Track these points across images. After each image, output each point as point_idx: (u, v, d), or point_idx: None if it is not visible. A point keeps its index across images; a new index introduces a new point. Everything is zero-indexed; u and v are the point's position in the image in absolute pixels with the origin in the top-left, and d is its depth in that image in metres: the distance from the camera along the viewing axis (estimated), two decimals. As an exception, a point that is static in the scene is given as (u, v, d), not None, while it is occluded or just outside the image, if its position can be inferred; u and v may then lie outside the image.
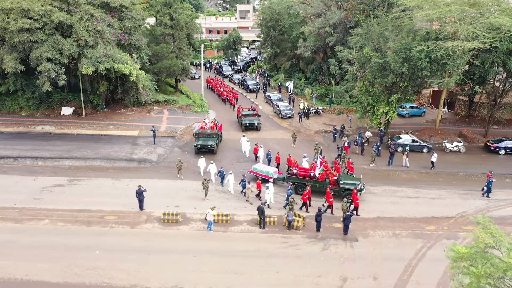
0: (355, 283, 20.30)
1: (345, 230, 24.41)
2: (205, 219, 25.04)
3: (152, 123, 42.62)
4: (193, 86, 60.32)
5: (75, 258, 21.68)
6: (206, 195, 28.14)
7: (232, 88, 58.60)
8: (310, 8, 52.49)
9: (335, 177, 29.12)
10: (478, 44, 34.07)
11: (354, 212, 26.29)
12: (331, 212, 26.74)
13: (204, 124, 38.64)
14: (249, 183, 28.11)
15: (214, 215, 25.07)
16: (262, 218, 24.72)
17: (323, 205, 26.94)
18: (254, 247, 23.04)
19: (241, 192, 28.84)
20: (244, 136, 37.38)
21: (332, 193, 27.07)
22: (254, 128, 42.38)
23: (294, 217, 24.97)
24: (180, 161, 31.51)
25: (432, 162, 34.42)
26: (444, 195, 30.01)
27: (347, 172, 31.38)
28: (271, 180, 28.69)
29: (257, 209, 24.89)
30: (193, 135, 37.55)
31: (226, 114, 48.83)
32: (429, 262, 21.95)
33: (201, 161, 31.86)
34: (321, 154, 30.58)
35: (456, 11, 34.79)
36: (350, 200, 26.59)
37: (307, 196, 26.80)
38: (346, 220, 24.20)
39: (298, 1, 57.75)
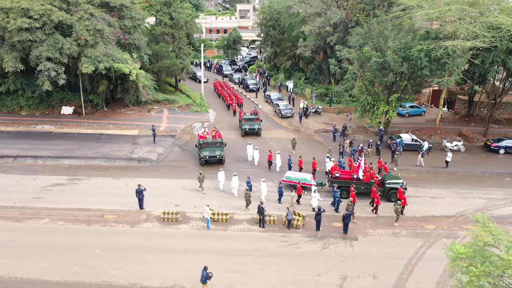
0: (355, 282, 20.33)
1: (345, 229, 24.44)
2: (203, 217, 25.08)
3: (152, 123, 42.63)
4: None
5: (75, 257, 21.71)
6: (247, 206, 26.71)
7: (233, 87, 58.42)
8: (310, 8, 52.44)
9: (379, 178, 29.18)
10: (478, 44, 34.07)
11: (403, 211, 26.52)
12: (376, 212, 26.89)
13: (205, 133, 36.49)
14: (292, 191, 27.42)
15: (214, 214, 25.13)
16: (262, 217, 24.74)
17: (370, 203, 27.28)
18: (254, 246, 23.06)
19: (278, 200, 27.95)
20: (250, 144, 35.60)
21: (379, 193, 27.29)
22: (254, 133, 41.10)
23: (293, 216, 25.00)
24: (201, 174, 29.22)
25: (447, 162, 34.44)
26: (443, 194, 30.03)
27: (379, 171, 31.14)
28: (314, 185, 28.13)
29: (257, 208, 24.90)
30: (196, 145, 35.83)
31: (227, 115, 48.59)
32: (429, 261, 22.00)
33: (221, 174, 29.59)
34: (360, 155, 30.68)
35: (456, 10, 34.79)
36: (399, 200, 26.52)
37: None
38: (346, 219, 24.21)
39: (298, 1, 57.66)
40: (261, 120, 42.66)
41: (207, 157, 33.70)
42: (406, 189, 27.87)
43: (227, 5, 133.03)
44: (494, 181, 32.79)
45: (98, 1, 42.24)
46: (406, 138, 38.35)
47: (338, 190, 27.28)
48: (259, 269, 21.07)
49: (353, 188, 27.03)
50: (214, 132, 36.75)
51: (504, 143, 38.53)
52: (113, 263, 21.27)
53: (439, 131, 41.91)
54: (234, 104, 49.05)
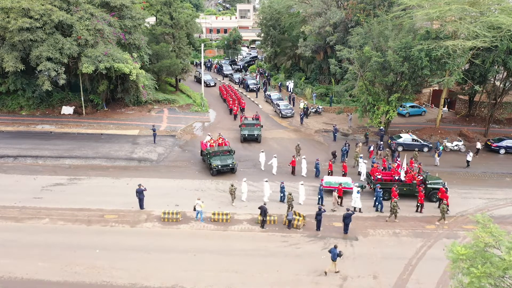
0: (355, 282, 20.31)
1: (345, 229, 24.43)
2: (194, 210, 25.13)
3: (152, 122, 42.60)
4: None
5: (75, 257, 21.70)
6: (290, 210, 26.23)
7: (233, 88, 58.21)
8: (310, 7, 52.42)
9: (421, 178, 29.21)
10: (478, 43, 34.05)
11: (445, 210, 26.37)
12: (420, 211, 27.17)
13: (212, 141, 34.67)
14: (334, 191, 27.58)
15: (215, 213, 25.11)
16: (264, 219, 24.69)
17: (417, 205, 27.49)
18: (254, 246, 23.05)
19: (319, 202, 27.55)
20: (262, 151, 33.92)
21: (423, 192, 27.55)
22: (254, 139, 39.19)
23: (294, 216, 24.98)
24: (232, 185, 27.77)
25: (468, 161, 34.49)
26: (444, 194, 29.98)
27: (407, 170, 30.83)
28: (356, 186, 27.92)
29: (259, 208, 24.84)
30: (202, 155, 34.64)
31: (227, 116, 48.29)
32: (429, 261, 21.99)
33: (244, 185, 28.19)
34: (399, 157, 30.54)
35: (456, 10, 34.79)
36: (443, 200, 26.66)
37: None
38: (346, 219, 24.20)
39: (298, 0, 57.68)
40: (262, 126, 40.98)
41: (219, 166, 31.83)
42: (447, 189, 27.68)
43: (227, 5, 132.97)
44: (495, 181, 32.78)
45: (98, 1, 42.21)
46: (406, 138, 38.33)
47: (381, 190, 27.49)
48: (259, 269, 21.05)
49: (395, 189, 27.10)
50: (221, 139, 35.30)
51: (504, 143, 38.53)
52: (113, 263, 21.26)
53: (439, 131, 41.89)
54: (236, 107, 47.72)
